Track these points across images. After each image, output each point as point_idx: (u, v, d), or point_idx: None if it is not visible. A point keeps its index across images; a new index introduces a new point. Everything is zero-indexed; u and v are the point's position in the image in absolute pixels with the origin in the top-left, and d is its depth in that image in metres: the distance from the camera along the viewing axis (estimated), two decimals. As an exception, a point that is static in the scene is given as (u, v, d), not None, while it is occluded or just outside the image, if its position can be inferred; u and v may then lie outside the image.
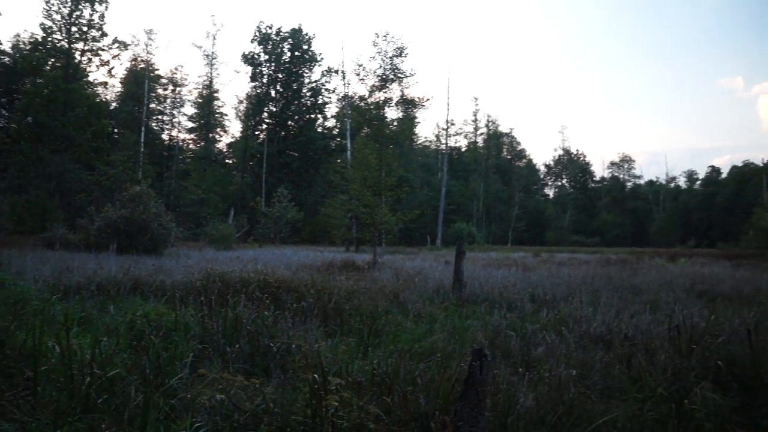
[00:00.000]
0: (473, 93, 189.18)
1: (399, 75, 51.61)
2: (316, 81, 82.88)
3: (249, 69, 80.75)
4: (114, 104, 75.69)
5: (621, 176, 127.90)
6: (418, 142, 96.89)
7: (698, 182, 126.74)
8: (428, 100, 54.42)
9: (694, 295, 14.90)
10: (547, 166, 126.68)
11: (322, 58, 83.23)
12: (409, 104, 67.35)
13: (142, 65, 75.57)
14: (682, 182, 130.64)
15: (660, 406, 5.91)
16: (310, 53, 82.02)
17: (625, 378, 6.61)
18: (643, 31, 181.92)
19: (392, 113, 61.70)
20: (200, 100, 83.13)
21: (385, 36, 43.67)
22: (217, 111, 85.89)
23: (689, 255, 42.22)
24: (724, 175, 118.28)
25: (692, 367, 6.62)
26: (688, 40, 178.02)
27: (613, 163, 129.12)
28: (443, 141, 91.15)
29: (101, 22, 59.19)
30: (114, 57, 64.03)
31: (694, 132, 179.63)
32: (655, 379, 6.37)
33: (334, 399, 5.11)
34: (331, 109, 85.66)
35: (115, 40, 63.11)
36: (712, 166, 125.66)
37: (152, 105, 78.67)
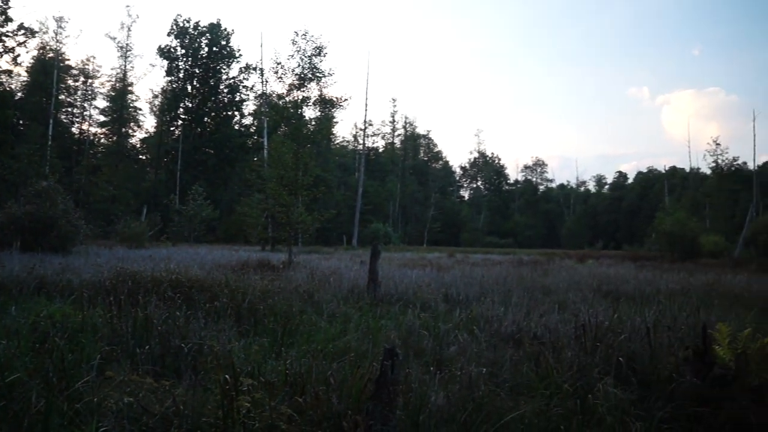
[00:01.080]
0: (391, 94, 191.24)
1: (317, 74, 51.45)
2: (233, 78, 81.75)
3: (165, 63, 78.92)
4: (20, 94, 72.33)
5: (534, 179, 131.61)
6: (335, 142, 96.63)
7: (606, 186, 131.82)
8: (346, 100, 54.38)
9: (600, 295, 15.42)
10: (462, 168, 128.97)
11: (240, 55, 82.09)
12: (327, 104, 67.15)
13: (51, 54, 72.48)
14: (591, 186, 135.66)
15: (566, 401, 6.11)
16: (228, 49, 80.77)
17: (534, 375, 6.80)
18: (558, 39, 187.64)
19: (310, 112, 61.50)
20: (113, 94, 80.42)
21: (304, 35, 43.55)
22: (131, 105, 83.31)
23: (597, 256, 43.70)
24: (630, 181, 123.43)
25: (596, 363, 6.87)
26: (601, 50, 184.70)
27: (526, 167, 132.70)
28: (361, 141, 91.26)
29: (5, 6, 56.18)
30: (20, 44, 60.98)
31: (603, 138, 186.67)
32: (561, 376, 6.57)
33: (245, 400, 5.06)
34: (249, 107, 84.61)
35: (21, 27, 60.07)
36: (620, 172, 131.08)
37: (61, 96, 75.47)
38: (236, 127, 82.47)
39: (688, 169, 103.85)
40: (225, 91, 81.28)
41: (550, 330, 8.66)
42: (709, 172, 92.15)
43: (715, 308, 12.75)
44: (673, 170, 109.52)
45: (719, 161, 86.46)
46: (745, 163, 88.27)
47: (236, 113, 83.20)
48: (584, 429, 5.64)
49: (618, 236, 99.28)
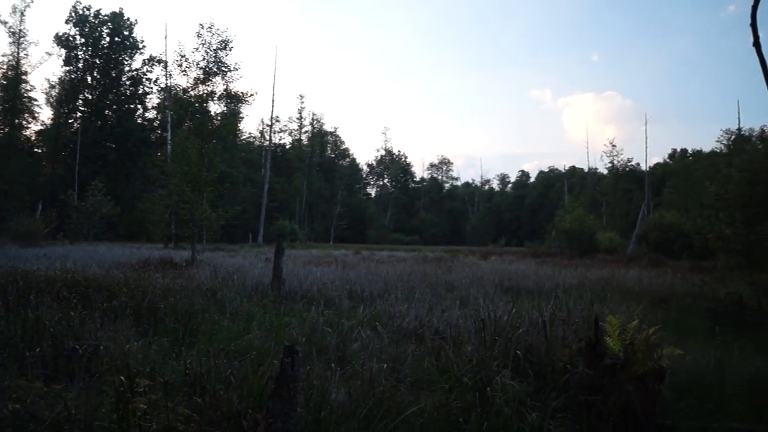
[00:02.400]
0: (299, 90, 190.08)
1: (223, 68, 50.44)
2: (136, 69, 79.23)
3: (63, 52, 75.67)
4: None
5: (439, 177, 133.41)
6: (242, 138, 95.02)
7: (510, 185, 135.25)
8: (252, 95, 53.29)
9: (502, 291, 15.81)
10: (369, 165, 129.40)
11: (144, 46, 79.67)
12: (233, 99, 65.94)
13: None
14: (495, 185, 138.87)
15: (465, 394, 6.25)
16: (131, 40, 78.21)
17: (434, 370, 6.92)
18: (465, 41, 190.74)
19: (216, 107, 60.30)
20: (4, 82, 76.44)
21: (209, 28, 42.59)
22: (25, 95, 79.41)
23: (500, 253, 44.77)
24: (532, 180, 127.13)
25: (495, 357, 7.04)
26: (505, 53, 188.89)
27: (432, 165, 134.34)
28: (267, 137, 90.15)
29: None
30: None
31: (507, 138, 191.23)
32: (461, 370, 6.71)
33: (141, 401, 4.93)
34: (152, 100, 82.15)
35: None
36: (522, 171, 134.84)
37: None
38: (139, 120, 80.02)
39: (586, 169, 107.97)
40: (127, 83, 78.73)
41: (452, 325, 8.83)
42: (605, 172, 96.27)
43: (609, 302, 13.30)
44: (573, 170, 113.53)
45: (615, 162, 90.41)
46: (638, 164, 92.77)
47: (139, 106, 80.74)
48: (482, 421, 5.79)
49: (520, 233, 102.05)
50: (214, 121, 39.09)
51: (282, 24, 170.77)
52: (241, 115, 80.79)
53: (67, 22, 76.32)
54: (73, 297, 10.00)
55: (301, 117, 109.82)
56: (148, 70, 79.35)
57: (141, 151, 74.15)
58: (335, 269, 20.40)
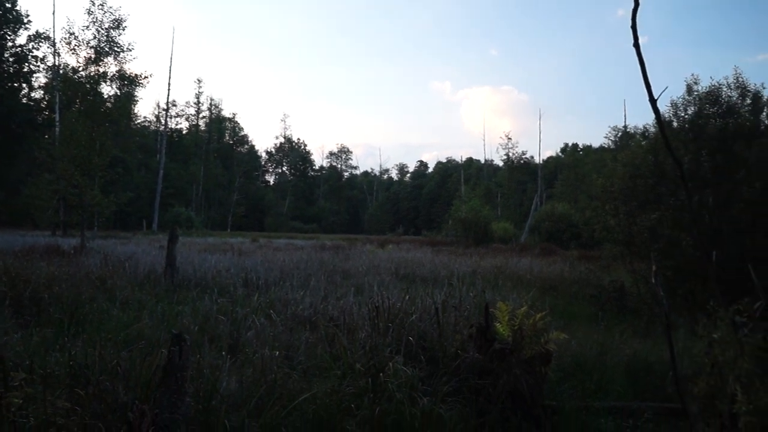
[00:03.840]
0: (196, 75, 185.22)
1: (116, 49, 48.53)
2: (21, 46, 75.03)
3: (-64, 25, 70.90)
4: None
5: (339, 166, 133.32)
6: (136, 122, 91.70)
7: (408, 175, 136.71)
8: (147, 77, 51.63)
9: (398, 279, 16.00)
10: (268, 152, 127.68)
11: (29, 21, 75.52)
12: (126, 81, 63.52)
13: None
14: (394, 174, 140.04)
15: (358, 380, 6.28)
16: (14, 13, 73.86)
17: (328, 357, 6.91)
18: (367, 31, 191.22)
19: (108, 89, 57.97)
20: None
21: (101, 5, 40.94)
22: None
23: (397, 242, 45.24)
24: (430, 170, 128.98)
25: (388, 343, 7.10)
26: (407, 44, 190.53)
27: (332, 153, 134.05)
28: (163, 122, 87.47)
29: None
30: None
31: (407, 129, 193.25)
32: (354, 356, 6.74)
33: (16, 396, 4.67)
34: (39, 80, 78.09)
35: None
36: (421, 161, 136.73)
37: None
38: (24, 100, 75.87)
39: (483, 161, 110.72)
40: (11, 60, 74.43)
41: (346, 312, 8.83)
42: (501, 164, 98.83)
43: (501, 289, 13.69)
44: (470, 161, 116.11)
45: (510, 155, 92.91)
46: (532, 157, 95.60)
47: (24, 85, 76.56)
48: (375, 406, 5.83)
49: (418, 222, 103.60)
50: (107, 103, 37.54)
51: (180, 6, 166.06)
52: (135, 98, 78.10)
53: (-59, -9, 71.60)
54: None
55: (198, 102, 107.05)
56: (34, 47, 75.25)
57: (26, 133, 70.32)
58: (231, 257, 20.09)
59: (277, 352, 6.65)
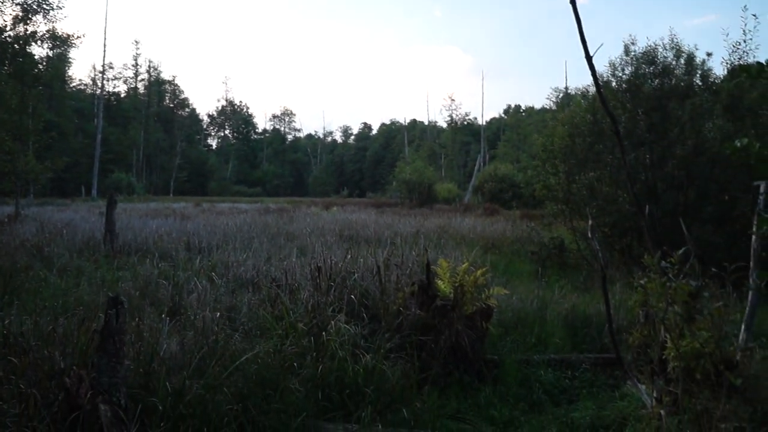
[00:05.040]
0: (134, 36, 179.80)
1: (45, 6, 46.62)
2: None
3: None
4: None
5: (282, 129, 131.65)
6: (71, 85, 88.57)
7: (352, 137, 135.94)
8: (79, 38, 49.95)
9: (342, 240, 15.99)
10: (210, 116, 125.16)
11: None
12: (58, 41, 61.18)
13: None
14: (338, 137, 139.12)
15: (300, 340, 6.28)
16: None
17: (270, 317, 6.88)
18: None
19: (39, 50, 55.76)
20: None
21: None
22: None
23: (342, 204, 45.15)
24: (374, 132, 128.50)
25: (330, 302, 7.12)
26: (351, 3, 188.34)
27: (275, 116, 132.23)
28: (99, 85, 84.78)
29: None
30: None
31: (350, 90, 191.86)
32: (296, 316, 6.73)
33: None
34: (-38, 41, 74.77)
35: None
36: (365, 123, 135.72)
37: None
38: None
39: (426, 122, 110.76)
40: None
41: (289, 273, 8.80)
42: (444, 125, 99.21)
43: (444, 248, 13.80)
44: (414, 123, 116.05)
45: (453, 116, 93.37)
46: (475, 118, 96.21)
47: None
48: (318, 364, 5.85)
49: (363, 184, 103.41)
50: (39, 65, 36.24)
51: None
52: (68, 59, 75.57)
53: None
54: None
55: (136, 64, 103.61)
56: (-44, 6, 72.03)
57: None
58: (173, 222, 19.80)
59: (219, 314, 6.60)
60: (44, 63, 53.58)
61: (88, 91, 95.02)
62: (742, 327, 5.78)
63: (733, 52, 14.23)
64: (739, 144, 3.45)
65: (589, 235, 7.86)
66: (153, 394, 4.96)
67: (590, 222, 7.25)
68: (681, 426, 4.15)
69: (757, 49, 14.43)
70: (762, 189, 5.73)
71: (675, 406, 4.53)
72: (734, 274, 3.68)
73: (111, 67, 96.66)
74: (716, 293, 4.38)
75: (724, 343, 4.63)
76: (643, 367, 5.49)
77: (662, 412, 4.69)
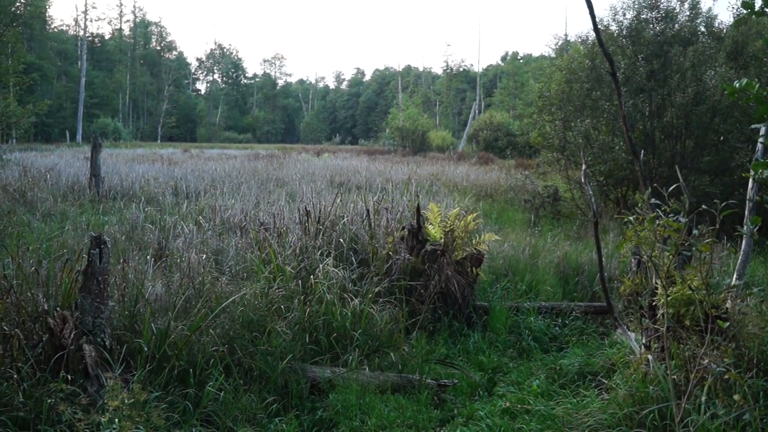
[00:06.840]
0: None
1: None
2: None
3: None
4: None
5: (273, 74, 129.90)
6: (53, 26, 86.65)
7: (345, 83, 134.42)
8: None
9: (333, 186, 15.86)
10: (198, 60, 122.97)
11: None
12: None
13: None
14: (330, 82, 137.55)
15: (288, 283, 6.20)
16: None
17: (257, 260, 6.78)
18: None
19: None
20: None
21: None
22: None
23: (334, 151, 44.89)
24: (368, 78, 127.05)
25: (318, 246, 7.02)
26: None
27: (265, 60, 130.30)
28: (83, 26, 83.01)
29: None
30: None
31: (344, 34, 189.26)
32: (284, 260, 6.63)
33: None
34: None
35: None
36: (358, 68, 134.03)
37: None
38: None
39: (421, 68, 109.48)
40: None
41: (277, 217, 8.68)
42: (440, 72, 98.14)
43: (436, 195, 13.71)
44: (408, 69, 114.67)
45: (449, 62, 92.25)
46: (471, 65, 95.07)
47: None
48: (305, 307, 5.78)
49: (355, 132, 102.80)
50: (18, 3, 35.33)
51: None
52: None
53: None
54: None
55: (121, 4, 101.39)
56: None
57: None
58: (160, 167, 19.60)
59: (205, 257, 6.50)
60: (22, 1, 52.18)
61: (71, 32, 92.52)
62: (734, 275, 5.73)
63: (740, -5, 13.92)
64: (738, 84, 3.33)
65: (582, 180, 7.75)
66: (138, 336, 4.91)
67: (583, 167, 7.11)
68: (668, 371, 4.10)
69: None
70: (762, 131, 5.62)
71: (663, 352, 4.48)
72: (725, 211, 3.60)
73: (94, 8, 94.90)
74: (707, 233, 4.29)
75: (714, 289, 4.57)
76: (633, 315, 5.44)
77: (650, 357, 4.65)
